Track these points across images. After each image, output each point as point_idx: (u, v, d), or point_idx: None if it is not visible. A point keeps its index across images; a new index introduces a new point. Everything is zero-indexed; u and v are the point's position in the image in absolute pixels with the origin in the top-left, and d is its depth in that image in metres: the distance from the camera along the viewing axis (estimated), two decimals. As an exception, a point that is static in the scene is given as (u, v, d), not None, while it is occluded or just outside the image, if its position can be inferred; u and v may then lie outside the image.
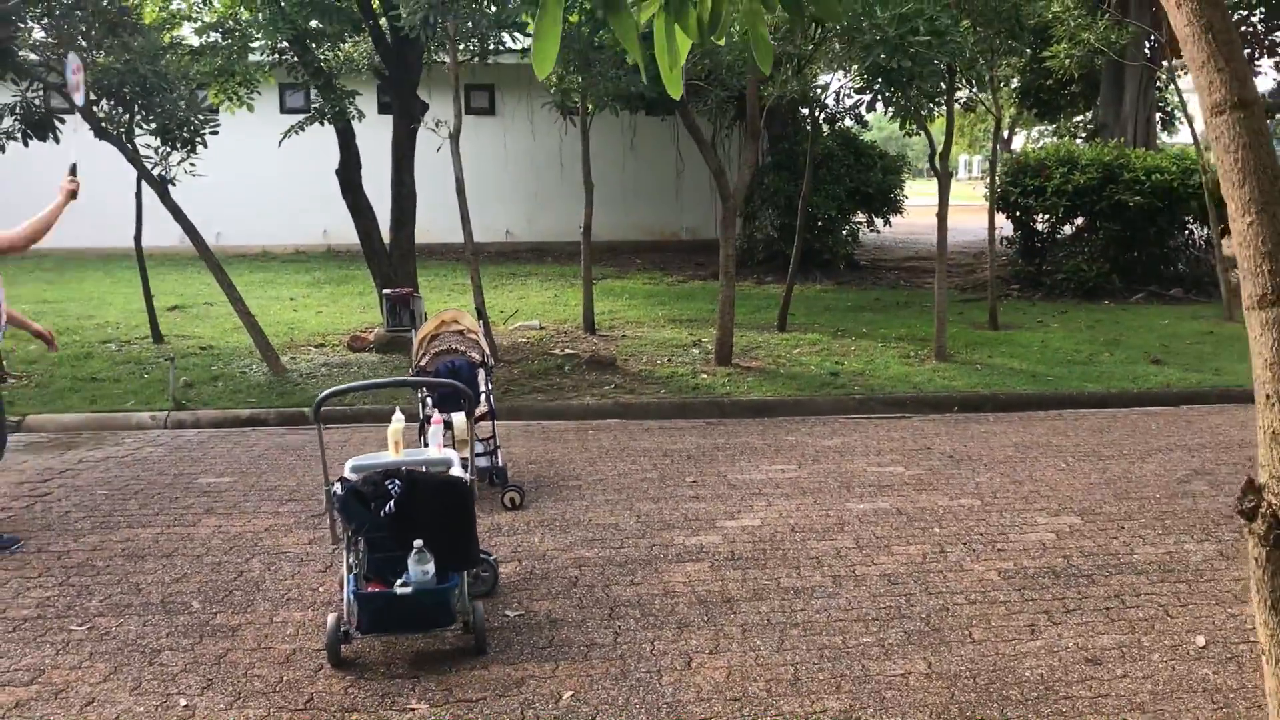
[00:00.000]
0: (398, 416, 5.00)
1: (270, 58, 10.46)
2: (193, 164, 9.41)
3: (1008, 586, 5.09)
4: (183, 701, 4.06)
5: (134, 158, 9.41)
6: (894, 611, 4.81)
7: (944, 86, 9.66)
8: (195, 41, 10.43)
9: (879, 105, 9.40)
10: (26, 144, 9.22)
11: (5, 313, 5.85)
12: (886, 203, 17.57)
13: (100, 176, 18.35)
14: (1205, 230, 14.90)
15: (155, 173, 9.54)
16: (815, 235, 16.54)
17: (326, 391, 4.46)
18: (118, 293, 15.17)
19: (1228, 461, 7.22)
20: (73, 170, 6.00)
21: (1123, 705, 3.99)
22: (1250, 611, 4.29)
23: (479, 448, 6.56)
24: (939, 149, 10.35)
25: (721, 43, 9.39)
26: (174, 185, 9.63)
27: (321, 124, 10.93)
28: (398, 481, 4.37)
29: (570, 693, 4.11)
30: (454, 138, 10.19)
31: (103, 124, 9.30)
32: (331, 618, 4.39)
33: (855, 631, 4.61)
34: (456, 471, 4.71)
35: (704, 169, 20.11)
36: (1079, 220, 15.27)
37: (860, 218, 17.87)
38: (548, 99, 12.74)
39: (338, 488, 4.46)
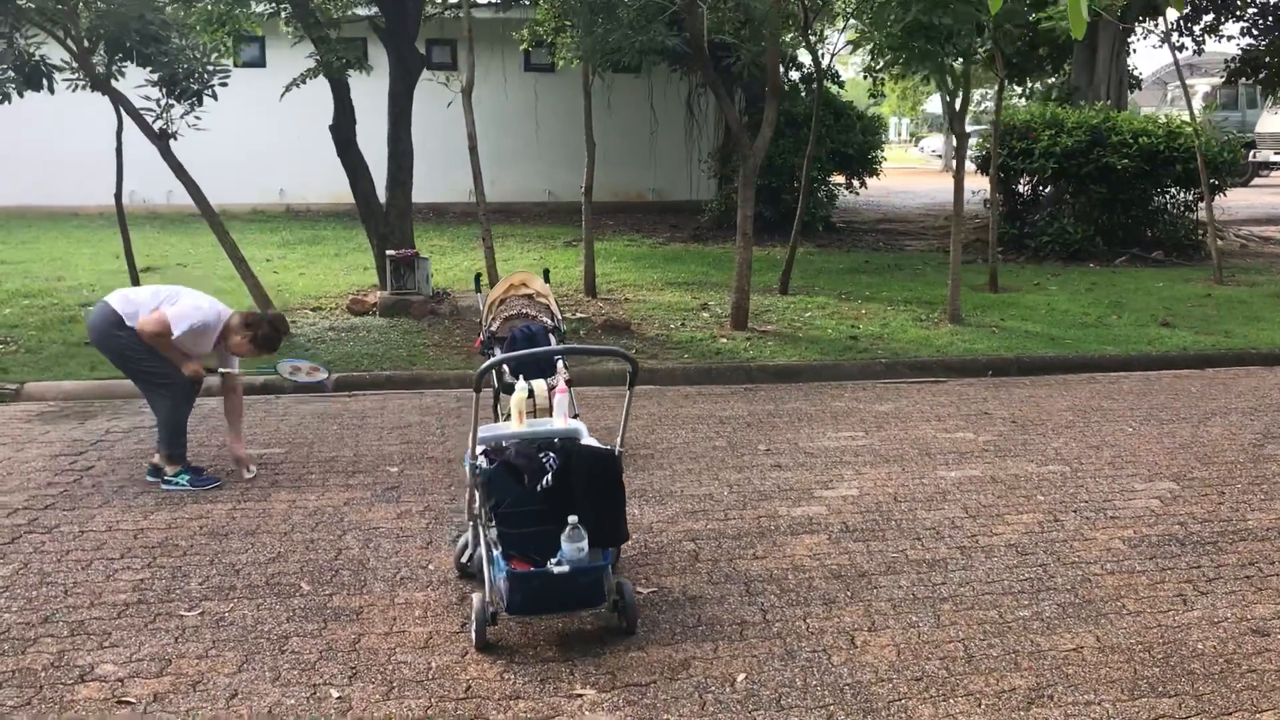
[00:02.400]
0: (521, 386, 4.75)
1: (269, 7, 9.94)
2: (198, 116, 8.91)
3: (1138, 555, 5.00)
4: (334, 693, 3.78)
5: (134, 111, 8.88)
6: (1037, 583, 4.69)
7: (975, 45, 9.52)
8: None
9: (909, 65, 9.19)
10: (22, 94, 8.64)
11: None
12: (865, 164, 17.47)
13: (38, 133, 17.64)
14: (1188, 194, 15.05)
15: (156, 127, 9.02)
16: (794, 197, 16.35)
17: (488, 363, 4.16)
18: (79, 253, 14.50)
19: (1290, 425, 7.24)
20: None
21: (1310, 677, 3.91)
22: None
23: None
24: (957, 110, 10.23)
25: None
26: (175, 140, 9.13)
27: (320, 76, 10.43)
28: (552, 454, 4.12)
29: (743, 675, 3.92)
30: (466, 93, 9.83)
31: (100, 74, 8.76)
32: (477, 599, 4.13)
33: (1008, 605, 4.48)
34: (589, 442, 4.47)
35: (678, 129, 19.91)
36: (1049, 186, 15.33)
37: (838, 179, 17.75)
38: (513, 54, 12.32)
39: (483, 461, 4.19)
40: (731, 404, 7.85)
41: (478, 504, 4.27)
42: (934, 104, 48.40)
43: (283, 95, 10.40)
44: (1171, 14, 18.62)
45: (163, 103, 8.93)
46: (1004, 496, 5.77)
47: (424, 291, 10.59)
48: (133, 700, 3.72)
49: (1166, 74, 41.93)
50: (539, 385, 5.96)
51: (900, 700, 3.76)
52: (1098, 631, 4.25)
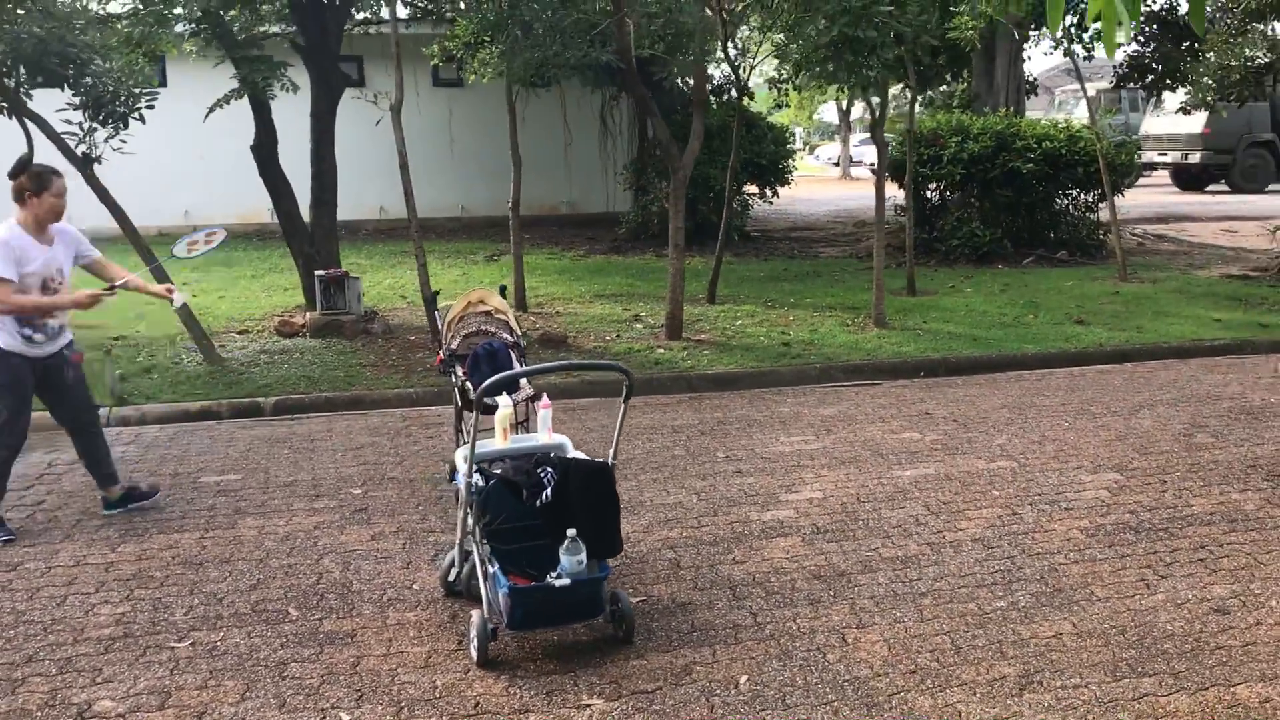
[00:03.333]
0: (505, 402, 4.78)
1: (189, 28, 9.78)
2: (123, 140, 8.73)
3: (1096, 544, 5.23)
4: (344, 716, 3.79)
5: (55, 135, 8.67)
6: (1008, 575, 4.88)
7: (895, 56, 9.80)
8: (115, 8, 9.67)
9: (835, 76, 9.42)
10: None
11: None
12: (777, 174, 17.77)
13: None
14: (1089, 196, 15.63)
15: (79, 151, 8.82)
16: (711, 207, 16.57)
17: (490, 381, 4.18)
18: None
19: (1213, 414, 7.60)
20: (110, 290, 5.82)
21: (1275, 652, 4.14)
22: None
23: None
24: (877, 119, 10.51)
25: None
26: (99, 164, 8.94)
27: (240, 97, 10.30)
28: (550, 469, 4.17)
29: (745, 677, 4.02)
30: (395, 110, 9.79)
31: (15, 97, 8.54)
32: (476, 616, 4.16)
33: (984, 597, 4.66)
34: (576, 455, 4.53)
35: (592, 142, 20.00)
36: (958, 192, 15.79)
37: (751, 189, 18.01)
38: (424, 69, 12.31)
39: (478, 479, 4.23)
40: (680, 413, 7.96)
41: (471, 522, 4.29)
42: (829, 113, 49.32)
43: (206, 116, 10.23)
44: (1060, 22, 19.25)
45: (85, 126, 8.72)
46: (960, 493, 5.98)
47: (355, 311, 10.51)
48: (138, 736, 3.67)
49: (1049, 79, 43.43)
50: (504, 401, 5.99)
51: (900, 693, 3.89)
52: (1072, 619, 4.44)
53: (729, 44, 11.44)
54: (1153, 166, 28.59)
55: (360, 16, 14.49)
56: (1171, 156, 28.05)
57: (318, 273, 10.51)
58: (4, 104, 8.60)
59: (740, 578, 4.90)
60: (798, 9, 9.09)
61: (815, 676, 4.02)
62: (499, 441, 4.67)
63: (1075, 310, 11.63)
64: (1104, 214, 16.09)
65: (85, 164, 8.82)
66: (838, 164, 46.79)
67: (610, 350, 9.89)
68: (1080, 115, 26.68)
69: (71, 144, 8.80)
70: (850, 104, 42.14)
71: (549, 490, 4.14)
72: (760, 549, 5.23)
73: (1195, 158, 27.39)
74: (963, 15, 12.90)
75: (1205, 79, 11.31)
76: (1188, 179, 28.81)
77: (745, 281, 13.94)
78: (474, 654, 4.14)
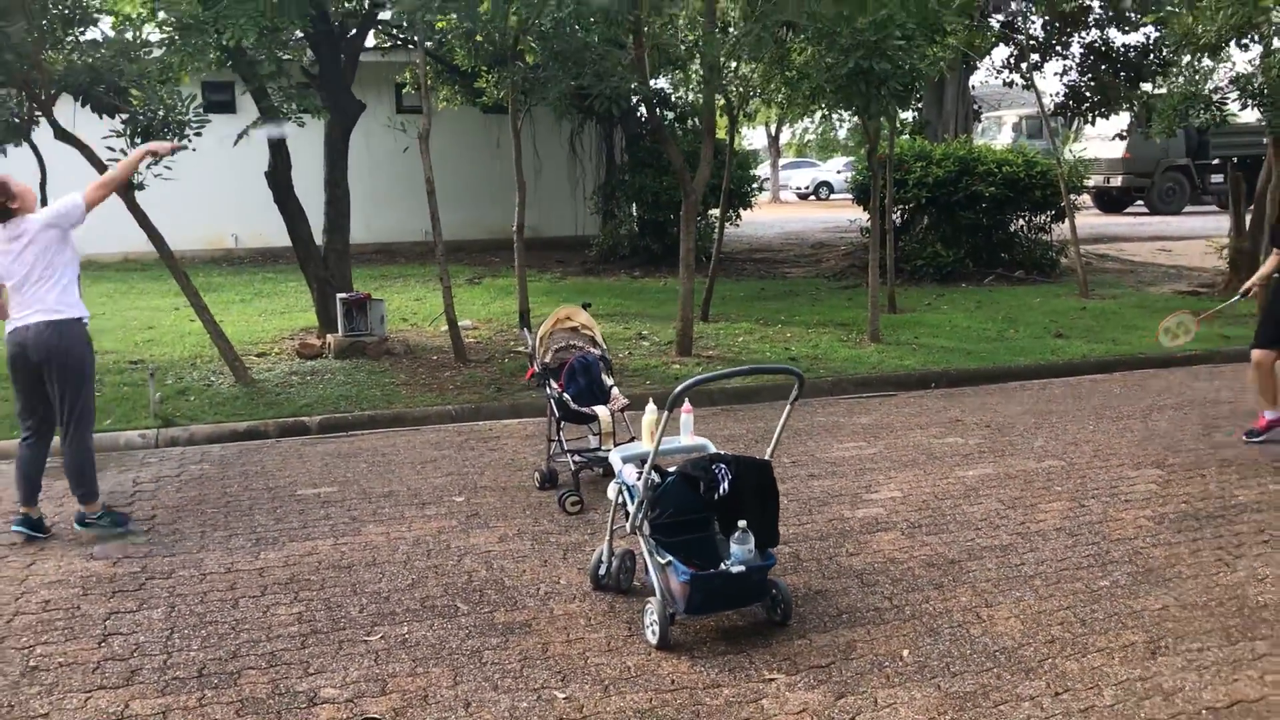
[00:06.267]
0: (650, 408, 5.16)
1: (217, 56, 9.95)
2: (168, 165, 8.89)
3: (1167, 530, 5.78)
4: (559, 695, 4.12)
5: (98, 162, 8.82)
6: (1100, 558, 5.39)
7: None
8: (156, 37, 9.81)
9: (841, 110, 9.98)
10: (5, 152, 8.52)
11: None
12: (741, 198, 18.34)
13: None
14: (1043, 218, 16.48)
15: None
16: (679, 231, 17.03)
17: (687, 382, 4.50)
18: None
19: (1219, 416, 8.27)
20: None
21: (1357, 615, 4.71)
22: None
23: (594, 441, 6.72)
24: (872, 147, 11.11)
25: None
26: (141, 190, 9.10)
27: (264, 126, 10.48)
28: (724, 465, 4.56)
29: (906, 650, 4.45)
30: (423, 138, 10.09)
31: (61, 127, 8.70)
32: (653, 602, 4.52)
33: (1088, 578, 5.16)
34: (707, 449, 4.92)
35: (560, 167, 20.38)
36: (925, 215, 16.53)
37: (715, 212, 18.54)
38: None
39: (655, 476, 4.60)
40: (724, 424, 8.38)
41: (639, 516, 4.65)
42: (757, 138, 50.29)
43: (236, 142, 10.39)
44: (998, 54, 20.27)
45: (129, 152, 8.86)
46: (1026, 489, 6.50)
47: (378, 332, 10.76)
48: (376, 716, 3.96)
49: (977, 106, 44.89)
50: (602, 411, 6.38)
51: (1049, 659, 4.36)
52: (1172, 594, 4.96)
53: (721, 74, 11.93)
54: (1077, 190, 29.87)
55: (372, 44, 14.70)
56: (1094, 180, 29.33)
57: (340, 296, 10.73)
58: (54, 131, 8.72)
59: (861, 567, 5.33)
60: (817, 44, 9.63)
61: (968, 648, 4.46)
62: (646, 443, 5.04)
63: (1051, 325, 12.34)
64: (1056, 235, 17.00)
65: (128, 189, 8.96)
66: (762, 188, 47.71)
67: (629, 367, 10.27)
68: (1004, 140, 27.88)
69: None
70: (779, 129, 43.13)
71: (725, 484, 4.53)
72: (867, 543, 5.67)
73: (1117, 181, 28.73)
74: (938, 48, 13.61)
75: (1166, 108, 12.11)
76: (1108, 201, 30.18)
77: (729, 301, 14.44)
78: (654, 638, 4.50)
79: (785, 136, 47.62)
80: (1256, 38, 11.98)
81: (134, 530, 5.88)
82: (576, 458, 6.35)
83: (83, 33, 8.87)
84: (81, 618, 4.82)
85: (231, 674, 4.29)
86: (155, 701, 4.07)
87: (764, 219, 29.08)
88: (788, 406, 4.81)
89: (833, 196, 42.03)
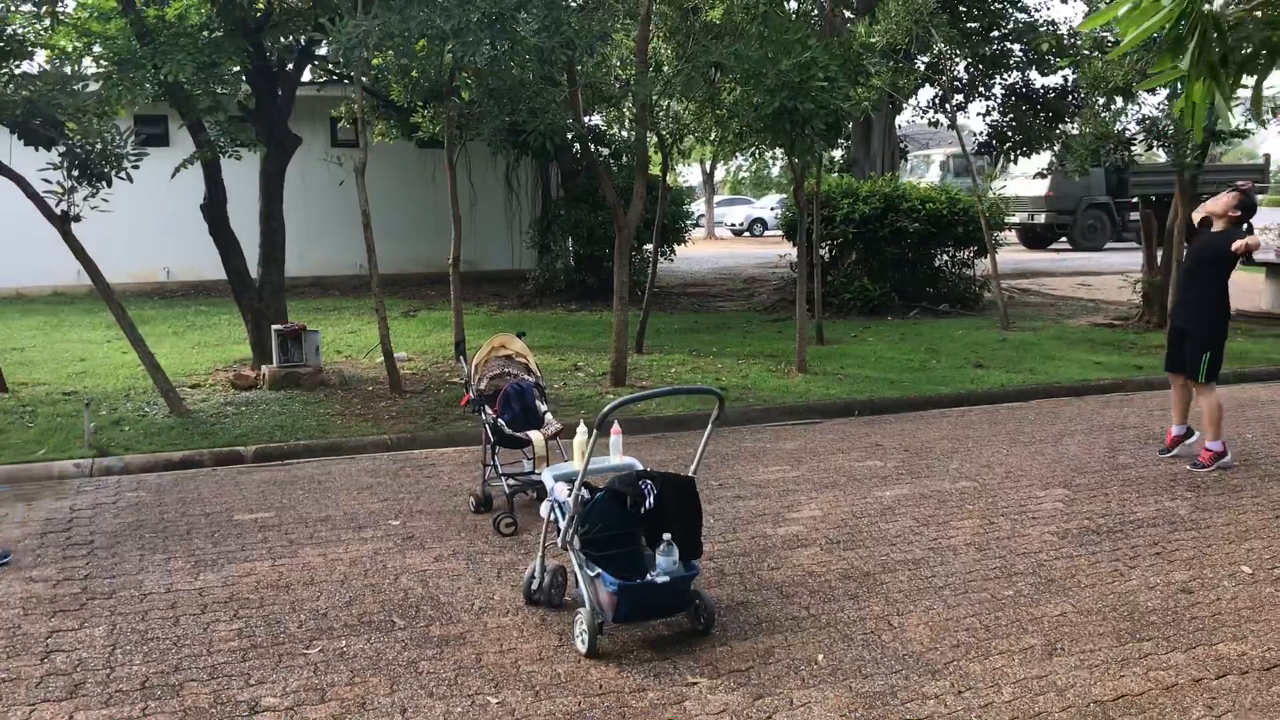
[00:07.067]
0: (581, 429, 5.40)
1: (154, 90, 10.09)
2: (105, 198, 9.02)
3: (1069, 544, 6.12)
4: (492, 700, 4.33)
5: (34, 195, 8.93)
6: (1006, 570, 5.72)
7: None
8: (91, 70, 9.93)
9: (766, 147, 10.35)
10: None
11: None
12: (675, 234, 18.71)
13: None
14: (965, 253, 17.04)
15: (58, 209, 9.07)
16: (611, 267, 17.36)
17: (615, 402, 4.74)
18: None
19: (1125, 440, 8.69)
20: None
21: (1237, 619, 5.07)
22: (1251, 546, 5.55)
23: (528, 465, 6.95)
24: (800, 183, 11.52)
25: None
26: (77, 222, 9.19)
27: (206, 158, 10.63)
28: (649, 481, 4.82)
29: (821, 655, 4.72)
30: (359, 172, 10.29)
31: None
32: (582, 613, 4.75)
33: (994, 588, 5.47)
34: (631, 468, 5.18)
35: (496, 201, 20.64)
36: (853, 250, 17.00)
37: (648, 247, 18.90)
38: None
39: (585, 493, 4.84)
40: (655, 450, 8.63)
41: (570, 531, 4.88)
42: (692, 175, 50.97)
43: (174, 174, 10.51)
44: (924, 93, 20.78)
45: (65, 185, 8.99)
46: (940, 508, 6.83)
47: (313, 363, 10.89)
48: (315, 723, 4.14)
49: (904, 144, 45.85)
50: (536, 435, 6.61)
51: (953, 661, 4.65)
52: (1070, 601, 5.30)
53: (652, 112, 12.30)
54: (999, 227, 30.75)
55: (308, 79, 14.86)
56: (1019, 217, 30.20)
57: (275, 327, 10.85)
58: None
59: (781, 580, 5.60)
60: (745, 84, 10.01)
61: (879, 652, 4.74)
62: (577, 463, 5.28)
63: (972, 355, 12.78)
64: (979, 270, 17.56)
65: (64, 221, 9.06)
66: (697, 224, 48.31)
67: (564, 396, 10.49)
68: (932, 177, 28.65)
69: (51, 202, 9.04)
70: (714, 166, 43.77)
71: (650, 499, 4.78)
72: (788, 557, 5.95)
73: (1040, 218, 29.62)
74: (862, 89, 14.10)
75: (1079, 147, 12.68)
76: (1033, 238, 31.09)
77: (663, 333, 14.74)
78: (583, 647, 4.72)
79: (720, 174, 48.27)
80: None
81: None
82: (511, 481, 6.57)
83: (18, 66, 8.98)
84: (23, 636, 4.93)
85: (174, 686, 4.44)
86: (99, 713, 4.21)
87: (698, 254, 29.54)
88: (709, 425, 5.08)
89: (766, 233, 42.72)
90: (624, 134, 17.40)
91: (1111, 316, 16.13)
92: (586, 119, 12.68)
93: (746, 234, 44.48)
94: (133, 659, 4.69)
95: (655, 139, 12.92)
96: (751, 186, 52.85)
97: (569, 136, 15.00)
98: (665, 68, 12.55)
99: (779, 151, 11.49)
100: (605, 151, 19.01)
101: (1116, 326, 15.26)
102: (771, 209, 43.06)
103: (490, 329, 15.06)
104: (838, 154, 20.58)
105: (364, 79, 11.57)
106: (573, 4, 10.44)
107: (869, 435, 9.10)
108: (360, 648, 4.81)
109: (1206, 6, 2.83)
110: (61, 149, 8.90)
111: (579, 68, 11.00)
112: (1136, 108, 12.59)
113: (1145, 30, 2.86)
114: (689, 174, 49.44)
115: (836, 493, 7.22)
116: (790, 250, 17.30)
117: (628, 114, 13.95)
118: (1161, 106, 13.93)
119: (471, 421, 9.43)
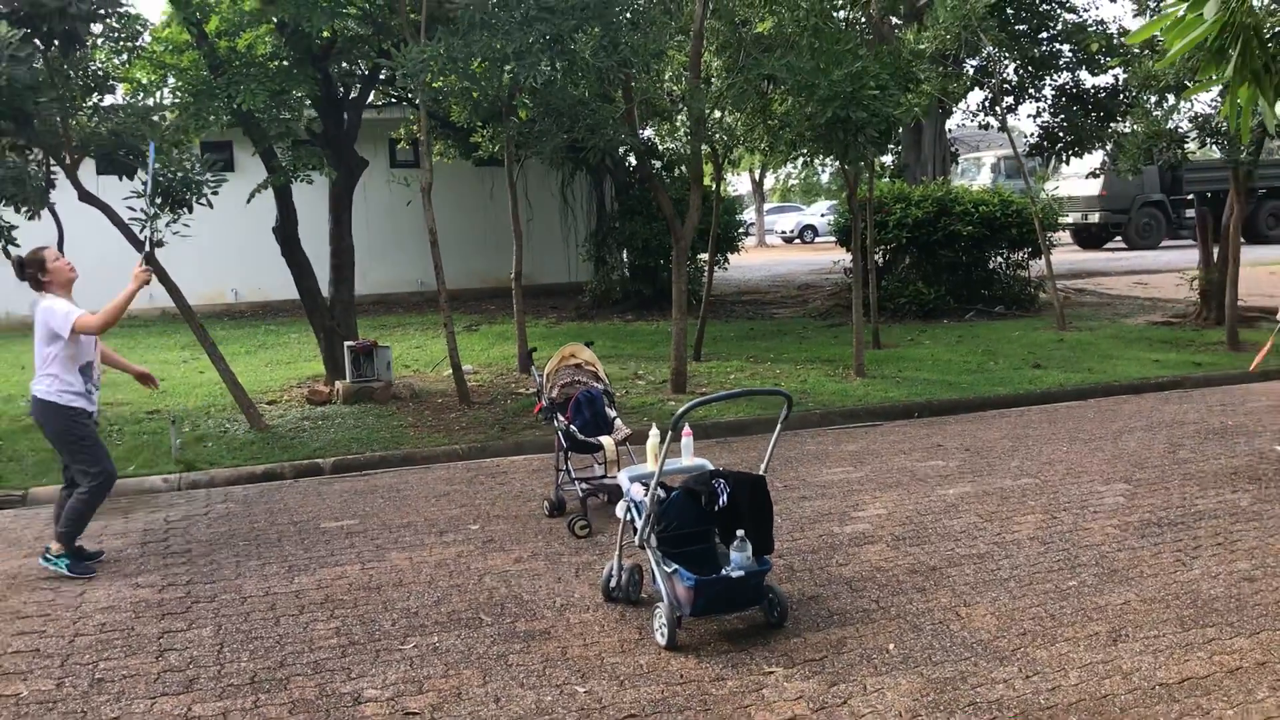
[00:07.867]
0: (654, 431, 5.64)
1: (227, 119, 10.52)
2: (186, 224, 9.42)
3: (1131, 536, 6.26)
4: (580, 689, 4.57)
5: (120, 221, 9.35)
6: (1069, 562, 5.87)
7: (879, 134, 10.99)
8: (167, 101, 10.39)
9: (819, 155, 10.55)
10: (40, 216, 9.03)
11: (99, 352, 6.44)
12: (729, 243, 18.94)
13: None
14: (1020, 255, 17.09)
15: (143, 235, 9.47)
16: (669, 276, 17.61)
17: (687, 405, 5.00)
18: (-7, 363, 14.40)
19: (1185, 436, 8.78)
20: (146, 259, 6.46)
21: (1300, 604, 5.20)
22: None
23: (599, 470, 7.20)
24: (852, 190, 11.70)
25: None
26: (161, 248, 9.59)
27: (279, 183, 11.03)
28: (722, 480, 5.05)
29: (892, 645, 4.91)
30: (426, 192, 10.63)
31: (85, 190, 9.22)
32: (661, 607, 4.99)
33: (1057, 580, 5.63)
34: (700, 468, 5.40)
35: (552, 216, 20.99)
36: (906, 255, 17.11)
37: (704, 256, 19.13)
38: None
39: (660, 492, 5.08)
40: (719, 455, 8.83)
41: (647, 529, 5.12)
42: (742, 184, 51.13)
43: (249, 199, 10.92)
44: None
45: (150, 212, 9.38)
46: (1002, 505, 6.99)
47: (385, 378, 11.23)
48: (416, 711, 4.41)
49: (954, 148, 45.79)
50: (607, 440, 6.87)
51: (1020, 649, 4.82)
52: (1133, 591, 5.44)
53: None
54: (1052, 227, 30.64)
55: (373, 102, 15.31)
56: (1072, 217, 30.07)
57: (348, 343, 11.21)
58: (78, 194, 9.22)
59: (850, 575, 5.80)
60: (797, 95, 10.23)
61: (948, 641, 4.93)
62: (650, 465, 5.51)
63: (1030, 356, 12.87)
64: (1034, 271, 17.59)
65: (149, 249, 9.46)
66: (747, 233, 48.50)
67: (627, 404, 10.74)
68: (983, 180, 28.62)
69: (135, 229, 9.45)
70: (763, 174, 43.93)
71: (724, 497, 5.01)
72: (855, 554, 6.14)
73: (1094, 218, 29.47)
74: (912, 95, 14.25)
75: (1132, 146, 12.74)
76: (1087, 238, 30.92)
77: (720, 341, 14.96)
78: (663, 639, 4.96)
79: (770, 182, 48.42)
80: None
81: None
82: (584, 485, 6.83)
83: (101, 100, 9.42)
84: (137, 637, 5.26)
85: (281, 680, 4.73)
86: (215, 705, 4.51)
87: (751, 263, 29.70)
88: (778, 425, 5.30)
89: (817, 239, 42.81)
90: (675, 146, 17.67)
91: (1169, 314, 16.11)
92: (640, 133, 12.93)
93: (797, 240, 44.57)
94: (240, 656, 4.99)
95: (708, 149, 13.15)
96: (801, 194, 52.90)
97: (623, 151, 15.35)
98: (715, 80, 12.80)
99: (829, 159, 11.61)
100: (658, 164, 19.29)
101: (1174, 324, 15.25)
102: (822, 215, 43.12)
103: (550, 340, 15.37)
104: (889, 159, 20.65)
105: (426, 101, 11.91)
106: (627, 21, 10.71)
107: (929, 436, 9.25)
108: (452, 643, 5.08)
109: (1249, 19, 3.02)
110: (144, 178, 9.29)
111: (634, 85, 11.27)
112: (1189, 105, 12.60)
113: (1190, 42, 3.05)
114: (737, 182, 49.61)
115: (900, 492, 7.40)
116: (843, 256, 17.45)
117: (681, 127, 14.20)
118: (1214, 103, 13.95)
119: (539, 430, 9.72)
